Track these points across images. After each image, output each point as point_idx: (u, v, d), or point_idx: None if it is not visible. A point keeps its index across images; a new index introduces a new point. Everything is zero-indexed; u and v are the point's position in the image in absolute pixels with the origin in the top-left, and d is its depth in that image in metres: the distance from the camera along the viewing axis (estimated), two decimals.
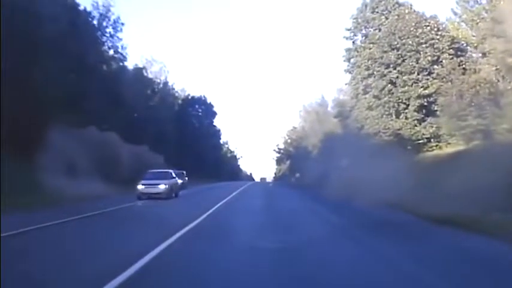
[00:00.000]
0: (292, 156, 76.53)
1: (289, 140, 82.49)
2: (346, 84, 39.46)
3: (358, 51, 36.15)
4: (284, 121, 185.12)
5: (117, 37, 34.99)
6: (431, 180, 17.19)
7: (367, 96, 34.58)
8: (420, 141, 30.89)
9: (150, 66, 59.26)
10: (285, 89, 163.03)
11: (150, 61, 59.64)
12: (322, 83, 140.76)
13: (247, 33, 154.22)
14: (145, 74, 53.23)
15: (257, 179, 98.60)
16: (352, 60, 37.32)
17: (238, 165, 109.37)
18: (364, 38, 37.35)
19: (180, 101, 66.05)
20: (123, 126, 36.21)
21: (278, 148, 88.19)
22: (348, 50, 37.45)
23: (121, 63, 36.29)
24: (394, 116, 33.32)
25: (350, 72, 38.32)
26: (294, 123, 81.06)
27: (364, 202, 15.42)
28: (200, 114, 69.11)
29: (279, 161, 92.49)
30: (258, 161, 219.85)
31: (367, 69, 34.36)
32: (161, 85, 58.63)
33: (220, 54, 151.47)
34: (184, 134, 58.32)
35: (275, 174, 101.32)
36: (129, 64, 46.61)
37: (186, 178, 34.26)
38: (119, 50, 35.29)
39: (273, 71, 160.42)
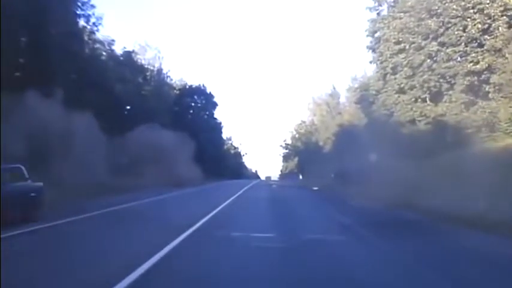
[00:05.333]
0: (301, 153, 71.38)
1: (297, 135, 77.44)
2: (370, 62, 32.95)
3: (385, 23, 29.68)
4: (291, 115, 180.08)
5: (91, 5, 28.60)
6: None
7: (397, 76, 28.23)
8: (469, 131, 24.37)
9: (143, 53, 53.78)
10: (292, 81, 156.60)
11: (143, 46, 54.03)
12: (332, 73, 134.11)
13: (251, 21, 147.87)
14: (135, 59, 47.50)
15: (263, 177, 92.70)
16: (377, 34, 30.85)
17: (243, 163, 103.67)
18: (391, 7, 30.93)
19: (176, 91, 59.98)
20: (113, 115, 31.61)
21: (285, 144, 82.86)
22: (373, 21, 30.97)
23: (94, 35, 29.70)
24: (428, 101, 27.06)
25: (373, 50, 31.91)
26: (302, 116, 76.01)
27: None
28: (199, 105, 62.92)
29: (286, 158, 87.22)
30: (264, 158, 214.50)
31: (397, 43, 27.97)
32: (155, 72, 52.71)
33: (222, 43, 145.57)
34: (181, 126, 52.29)
35: (281, 171, 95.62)
36: (117, 48, 41.80)
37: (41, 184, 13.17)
38: (92, 19, 28.77)
39: (279, 61, 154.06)
